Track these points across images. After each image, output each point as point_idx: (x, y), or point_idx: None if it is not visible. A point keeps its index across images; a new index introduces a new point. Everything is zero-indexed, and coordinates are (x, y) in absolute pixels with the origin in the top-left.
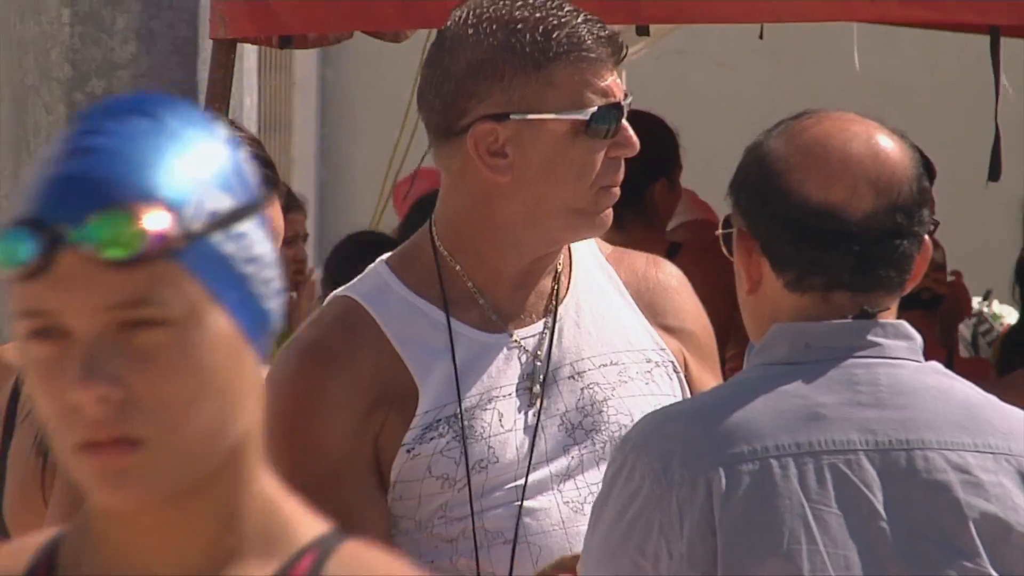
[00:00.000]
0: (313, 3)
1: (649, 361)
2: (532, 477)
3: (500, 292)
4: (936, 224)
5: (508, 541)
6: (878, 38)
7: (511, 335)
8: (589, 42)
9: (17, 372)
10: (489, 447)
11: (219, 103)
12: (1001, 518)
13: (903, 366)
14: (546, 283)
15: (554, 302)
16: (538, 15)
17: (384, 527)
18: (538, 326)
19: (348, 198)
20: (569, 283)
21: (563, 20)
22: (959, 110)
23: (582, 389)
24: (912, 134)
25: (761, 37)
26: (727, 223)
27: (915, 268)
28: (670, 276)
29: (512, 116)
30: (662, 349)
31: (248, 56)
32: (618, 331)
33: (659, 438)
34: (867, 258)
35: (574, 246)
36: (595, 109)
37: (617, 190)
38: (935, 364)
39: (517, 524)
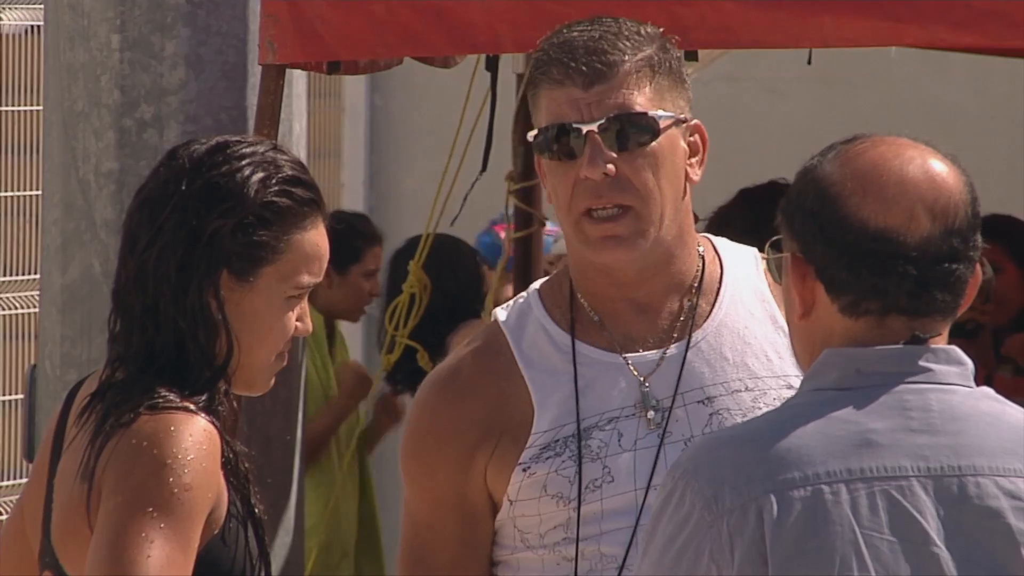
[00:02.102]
0: (362, 29)
1: (791, 388)
2: (649, 503)
3: (621, 316)
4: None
5: (620, 567)
6: (927, 63)
7: (636, 358)
8: (554, 65)
9: (63, 401)
10: (605, 467)
11: (268, 129)
12: None
13: (954, 392)
14: (675, 306)
15: (689, 326)
16: (554, 39)
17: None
18: (669, 350)
19: (397, 224)
20: (713, 307)
21: (560, 42)
22: (1008, 134)
23: (710, 415)
24: (960, 158)
25: (809, 62)
26: (776, 247)
27: (967, 294)
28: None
29: None
30: None
31: (297, 82)
32: (760, 357)
33: (709, 464)
34: (923, 282)
35: (727, 268)
36: (536, 131)
37: (599, 211)
38: (986, 389)
39: (627, 550)
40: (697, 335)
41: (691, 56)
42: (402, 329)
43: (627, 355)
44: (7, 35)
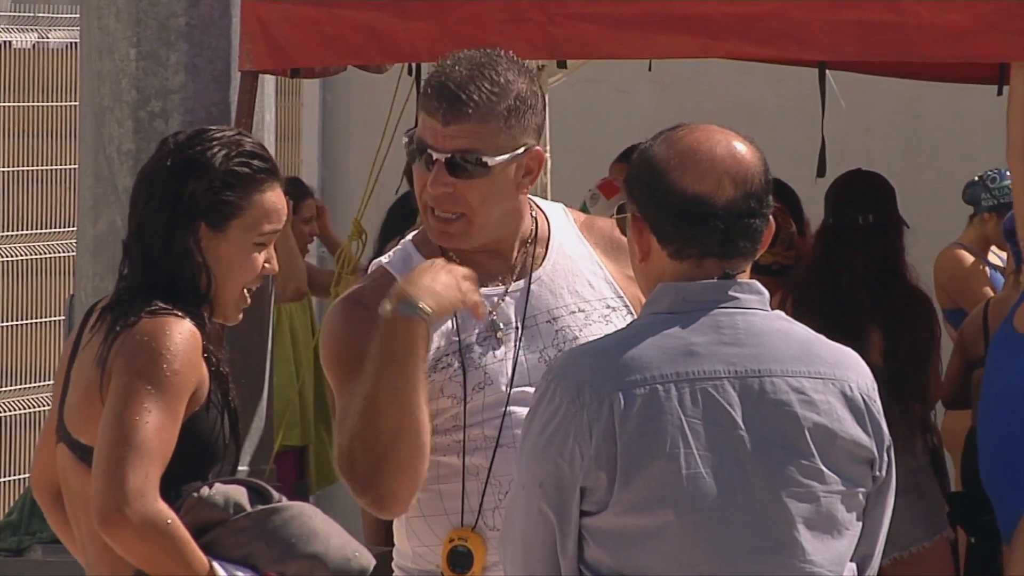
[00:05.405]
0: (316, 44)
1: (608, 307)
2: (515, 395)
3: (479, 260)
4: (777, 208)
5: (496, 442)
6: (737, 70)
7: (488, 291)
8: (431, 98)
9: (81, 319)
10: (485, 373)
11: (246, 119)
12: (828, 427)
13: (755, 314)
14: (520, 253)
15: (530, 266)
16: (441, 69)
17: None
18: (519, 284)
19: (343, 192)
20: (547, 252)
21: (442, 78)
22: (796, 124)
23: (556, 331)
24: (760, 143)
25: (650, 69)
26: (621, 209)
27: (763, 240)
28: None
29: None
30: (619, 296)
31: (268, 84)
32: (585, 286)
33: (574, 369)
34: (730, 233)
35: (552, 221)
36: (407, 139)
37: (439, 212)
38: (779, 312)
39: (500, 430)
40: (538, 272)
41: (562, 65)
42: (347, 268)
43: (494, 289)
44: (53, 48)
